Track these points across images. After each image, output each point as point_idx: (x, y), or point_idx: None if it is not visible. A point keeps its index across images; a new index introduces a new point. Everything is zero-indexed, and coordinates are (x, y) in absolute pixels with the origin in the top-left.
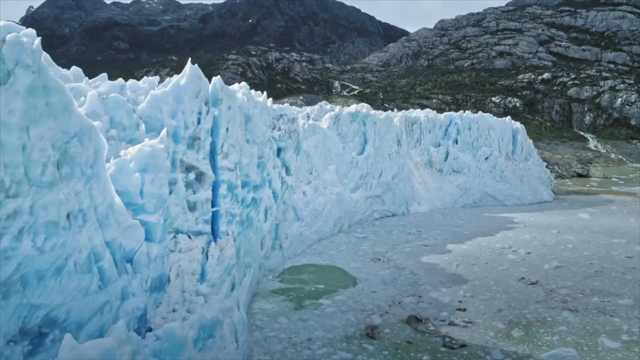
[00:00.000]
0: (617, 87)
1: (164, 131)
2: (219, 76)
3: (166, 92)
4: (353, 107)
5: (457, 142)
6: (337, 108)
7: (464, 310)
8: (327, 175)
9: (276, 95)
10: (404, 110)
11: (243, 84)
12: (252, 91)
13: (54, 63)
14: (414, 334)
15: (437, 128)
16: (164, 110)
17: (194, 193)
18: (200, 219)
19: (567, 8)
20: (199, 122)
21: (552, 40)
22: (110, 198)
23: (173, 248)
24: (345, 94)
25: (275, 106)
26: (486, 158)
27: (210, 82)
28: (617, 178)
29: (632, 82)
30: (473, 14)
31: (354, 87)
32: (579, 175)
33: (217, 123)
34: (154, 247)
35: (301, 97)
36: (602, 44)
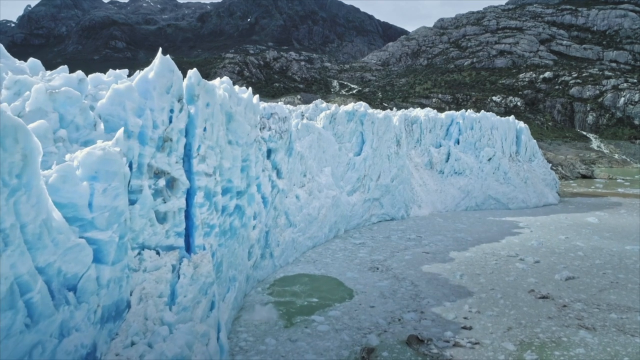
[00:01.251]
0: (620, 86)
1: (120, 131)
2: (195, 69)
3: (131, 86)
4: (350, 106)
5: (458, 143)
6: (333, 106)
7: (470, 328)
8: (322, 178)
9: (273, 94)
10: (403, 109)
11: (225, 78)
12: (236, 87)
13: (7, 54)
14: (415, 357)
15: (438, 128)
16: (127, 107)
17: (164, 202)
18: (172, 232)
19: (567, 7)
20: (170, 121)
21: (553, 39)
22: (46, 213)
23: (137, 267)
24: (344, 93)
25: (266, 104)
26: (489, 159)
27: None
28: (623, 179)
29: (635, 81)
30: (473, 13)
31: (352, 86)
32: (583, 177)
33: (193, 122)
34: (106, 270)
35: (298, 96)
36: (604, 42)
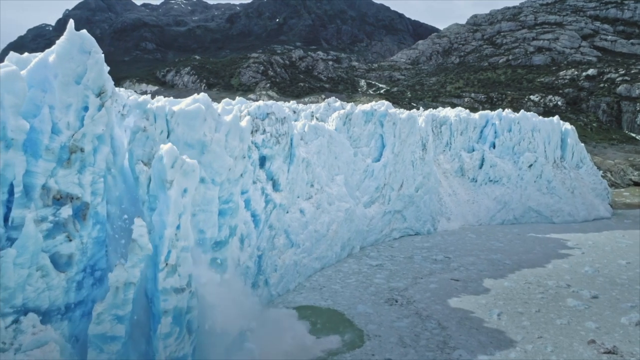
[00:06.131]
0: None
1: None
2: (169, 147)
3: (13, 72)
4: (368, 105)
5: (494, 147)
6: (349, 106)
7: None
8: (334, 188)
9: (298, 94)
10: (431, 109)
11: (202, 94)
12: (220, 105)
13: None
14: None
15: (471, 130)
16: (6, 103)
17: (69, 240)
18: (87, 283)
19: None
20: (82, 124)
21: (596, 34)
22: None
23: (6, 345)
24: (371, 92)
25: (260, 102)
26: (530, 165)
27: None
28: None
29: None
30: (509, 8)
31: (380, 85)
32: (636, 184)
33: (164, 213)
34: None
35: (323, 96)
36: None
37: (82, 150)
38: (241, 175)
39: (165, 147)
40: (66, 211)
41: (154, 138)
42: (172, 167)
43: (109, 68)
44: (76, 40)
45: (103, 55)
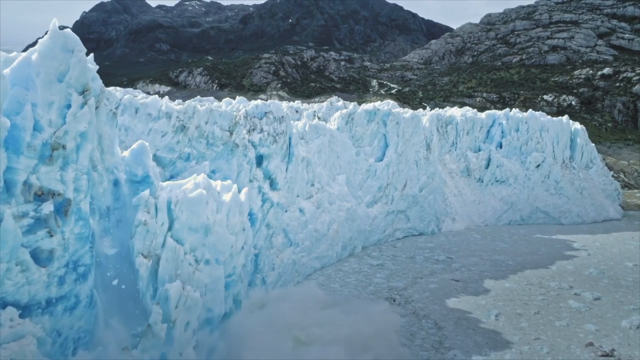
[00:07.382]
0: None
1: None
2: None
3: None
4: (371, 105)
5: (501, 147)
6: (351, 105)
7: None
8: (335, 188)
9: (309, 94)
10: (437, 108)
11: (202, 176)
12: (218, 183)
13: None
14: None
15: (477, 129)
16: None
17: (50, 235)
18: (69, 279)
19: None
20: (64, 122)
21: (613, 33)
22: None
23: None
24: (383, 92)
25: (259, 101)
26: (537, 166)
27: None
28: None
29: None
30: (523, 7)
31: (392, 85)
32: None
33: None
34: None
35: (334, 96)
36: None
37: (64, 147)
38: (242, 247)
39: (172, 288)
40: (47, 207)
41: (155, 231)
42: (176, 307)
43: (97, 67)
44: (59, 39)
45: (92, 54)
